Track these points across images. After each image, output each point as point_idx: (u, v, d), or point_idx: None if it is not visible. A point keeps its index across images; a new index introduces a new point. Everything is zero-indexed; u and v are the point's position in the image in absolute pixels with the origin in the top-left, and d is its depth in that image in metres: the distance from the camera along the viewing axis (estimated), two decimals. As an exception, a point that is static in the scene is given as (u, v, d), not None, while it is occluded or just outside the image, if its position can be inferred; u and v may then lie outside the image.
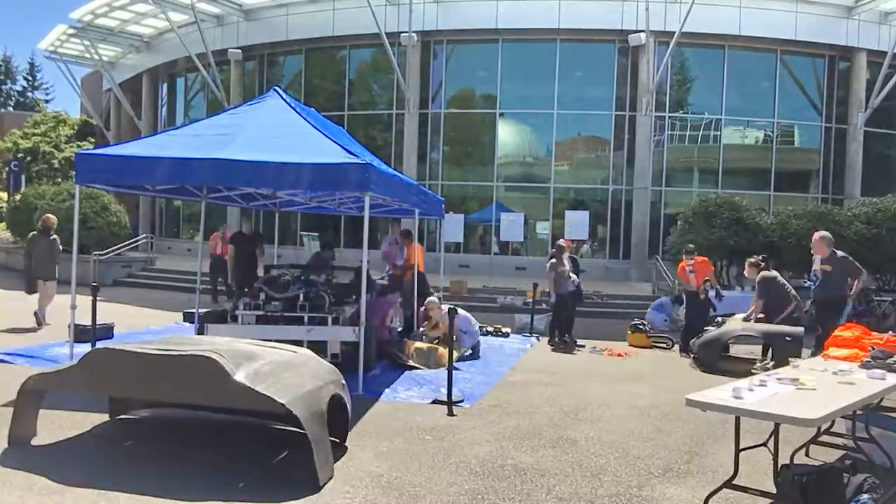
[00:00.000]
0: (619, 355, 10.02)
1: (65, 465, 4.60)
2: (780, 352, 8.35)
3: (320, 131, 7.63)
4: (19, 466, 4.49)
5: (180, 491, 4.19)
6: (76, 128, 34.53)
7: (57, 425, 5.32)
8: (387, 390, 7.14)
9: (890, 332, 5.93)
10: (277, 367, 4.73)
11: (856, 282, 8.35)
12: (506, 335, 11.36)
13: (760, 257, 9.86)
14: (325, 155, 7.07)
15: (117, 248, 19.87)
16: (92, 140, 31.59)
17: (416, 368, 8.23)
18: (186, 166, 7.09)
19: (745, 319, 9.38)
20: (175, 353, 4.57)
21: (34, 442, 4.98)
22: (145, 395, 5.05)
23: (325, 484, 4.37)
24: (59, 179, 28.24)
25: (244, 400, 4.41)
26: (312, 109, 8.99)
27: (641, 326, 11.21)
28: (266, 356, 4.83)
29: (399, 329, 10.21)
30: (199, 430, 5.52)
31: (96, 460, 4.80)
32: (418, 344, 8.96)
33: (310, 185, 8.02)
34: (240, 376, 4.38)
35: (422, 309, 10.04)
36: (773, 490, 4.12)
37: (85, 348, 7.31)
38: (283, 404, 4.27)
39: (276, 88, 8.74)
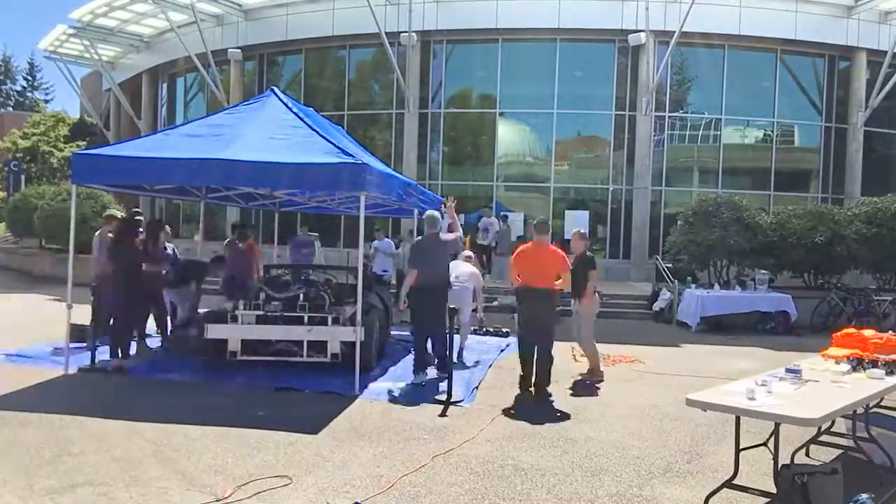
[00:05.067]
0: (615, 362, 9.54)
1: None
2: None
3: (316, 131, 7.62)
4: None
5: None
6: (72, 127, 34.48)
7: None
8: (387, 390, 7.14)
9: (890, 332, 5.93)
10: None
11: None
12: (505, 335, 11.34)
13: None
14: (321, 155, 7.07)
15: (117, 248, 19.78)
16: (88, 139, 31.54)
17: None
18: (182, 166, 7.09)
19: None
20: None
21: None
22: None
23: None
24: (58, 179, 28.24)
25: None
26: (311, 109, 8.98)
27: None
28: None
29: None
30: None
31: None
32: None
33: (306, 185, 8.03)
34: None
35: None
36: (774, 490, 4.12)
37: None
38: None
39: (274, 88, 8.73)
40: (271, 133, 7.52)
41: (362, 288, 7.26)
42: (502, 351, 9.92)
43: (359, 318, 7.15)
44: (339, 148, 7.22)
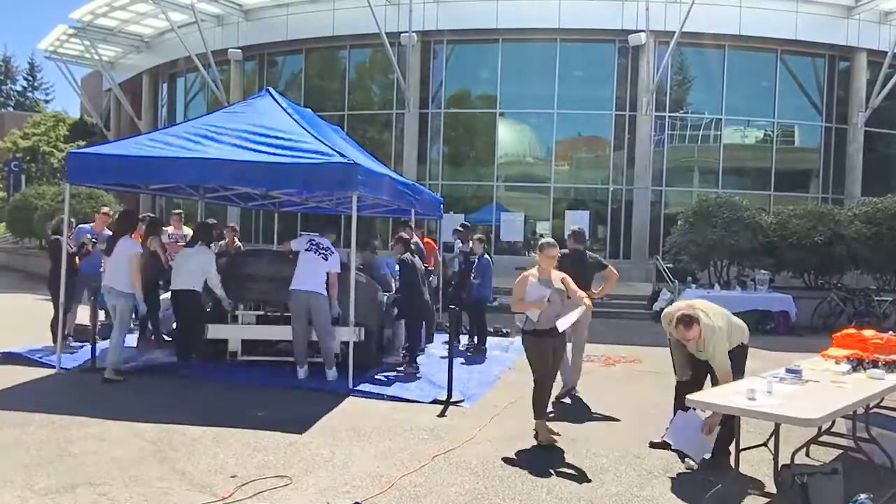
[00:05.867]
0: (615, 362, 9.58)
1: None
2: None
3: (309, 132, 7.63)
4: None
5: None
6: (73, 127, 34.46)
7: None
8: (387, 390, 7.13)
9: (890, 332, 5.93)
10: None
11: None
12: (506, 335, 11.34)
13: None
14: (312, 155, 7.09)
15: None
16: (89, 139, 31.53)
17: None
18: (172, 166, 7.13)
19: None
20: None
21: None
22: None
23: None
24: (59, 179, 28.21)
25: None
26: (307, 110, 8.99)
27: None
28: None
29: None
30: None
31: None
32: None
33: (297, 185, 8.03)
34: None
35: None
36: (774, 490, 4.12)
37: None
38: None
39: (269, 89, 8.76)
40: (265, 133, 7.53)
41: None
42: (506, 351, 9.89)
43: (351, 318, 7.14)
44: (332, 147, 7.24)
